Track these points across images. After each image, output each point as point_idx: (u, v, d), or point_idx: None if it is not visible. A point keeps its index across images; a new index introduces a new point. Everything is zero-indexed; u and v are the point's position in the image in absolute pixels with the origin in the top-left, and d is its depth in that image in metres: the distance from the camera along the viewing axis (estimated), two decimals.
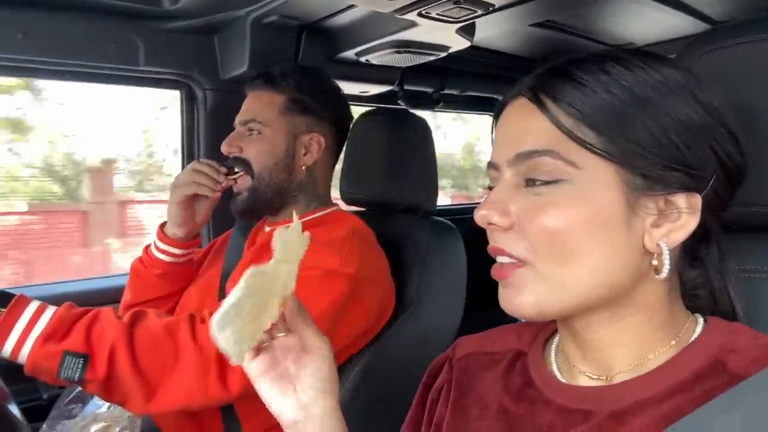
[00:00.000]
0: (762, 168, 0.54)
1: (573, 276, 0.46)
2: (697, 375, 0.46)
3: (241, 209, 1.10)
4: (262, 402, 0.56)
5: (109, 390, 0.81)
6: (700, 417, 0.37)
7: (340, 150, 1.21)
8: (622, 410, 0.47)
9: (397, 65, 1.50)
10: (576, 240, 0.46)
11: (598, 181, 0.46)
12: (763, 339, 0.47)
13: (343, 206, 1.27)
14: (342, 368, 1.04)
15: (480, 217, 0.49)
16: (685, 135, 0.45)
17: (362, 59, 1.42)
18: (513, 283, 0.48)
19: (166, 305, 1.16)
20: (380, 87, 1.66)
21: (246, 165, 1.09)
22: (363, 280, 0.97)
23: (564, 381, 0.53)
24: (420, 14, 1.08)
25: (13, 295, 0.82)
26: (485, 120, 2.69)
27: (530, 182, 0.48)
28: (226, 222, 1.31)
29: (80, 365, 0.79)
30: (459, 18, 1.12)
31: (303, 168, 1.10)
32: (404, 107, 1.84)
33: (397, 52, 1.33)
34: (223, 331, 0.48)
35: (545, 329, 0.60)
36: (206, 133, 1.45)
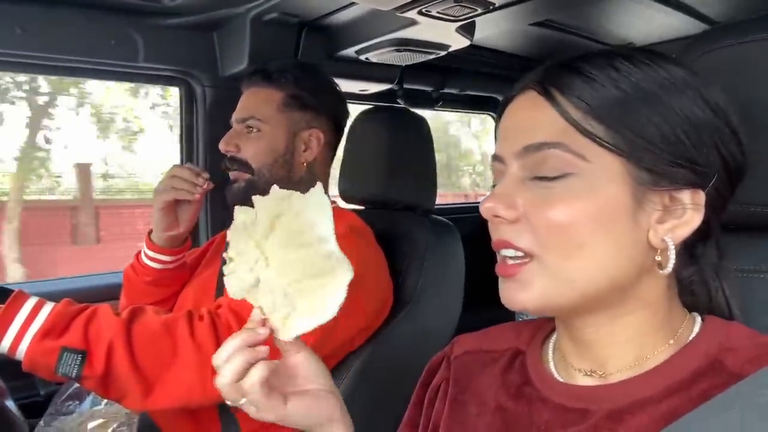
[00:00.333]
0: (761, 168, 0.55)
1: (579, 269, 0.46)
2: (695, 374, 0.46)
3: (235, 198, 1.07)
4: None
5: (107, 386, 0.81)
6: (698, 417, 0.37)
7: (338, 145, 1.20)
8: (620, 410, 0.47)
9: (397, 64, 1.50)
10: (583, 234, 0.46)
11: (605, 174, 0.46)
12: (760, 338, 0.47)
13: (342, 204, 1.27)
14: (340, 366, 1.04)
15: (486, 209, 0.49)
16: (691, 132, 0.46)
17: (362, 57, 1.42)
18: (519, 279, 0.48)
19: (162, 309, 1.15)
20: (380, 85, 1.66)
21: (244, 165, 1.08)
22: (361, 279, 0.97)
23: (561, 380, 0.53)
24: (420, 12, 1.08)
25: (12, 291, 0.82)
26: None
27: (538, 176, 0.48)
28: (224, 221, 1.30)
29: (78, 361, 0.78)
30: (459, 16, 1.12)
31: (303, 164, 1.10)
32: (404, 106, 1.84)
33: (397, 51, 1.33)
34: None
35: (543, 328, 0.60)
36: (205, 131, 1.45)
